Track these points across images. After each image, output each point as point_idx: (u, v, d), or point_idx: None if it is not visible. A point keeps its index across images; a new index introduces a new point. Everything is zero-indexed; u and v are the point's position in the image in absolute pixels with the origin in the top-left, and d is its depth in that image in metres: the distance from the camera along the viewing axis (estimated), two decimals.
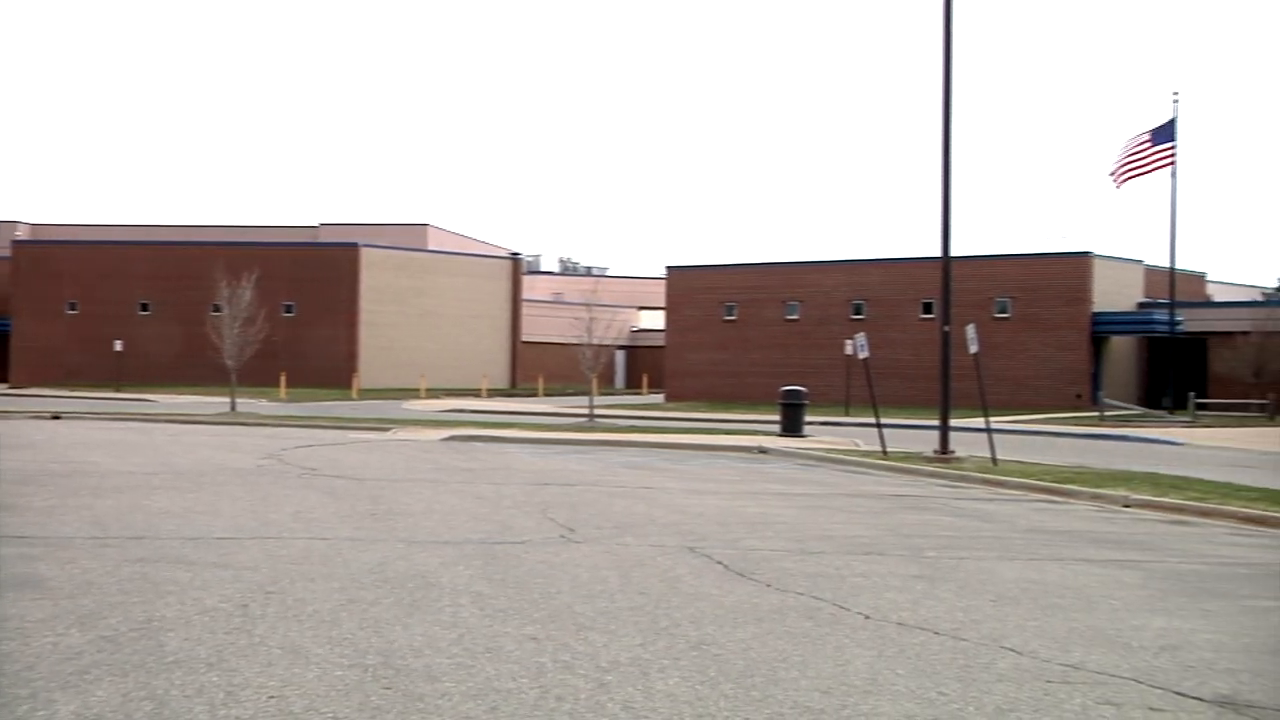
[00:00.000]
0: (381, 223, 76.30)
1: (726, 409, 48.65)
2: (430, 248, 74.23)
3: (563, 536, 12.82)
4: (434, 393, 60.41)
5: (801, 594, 9.82)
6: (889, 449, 25.03)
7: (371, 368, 65.01)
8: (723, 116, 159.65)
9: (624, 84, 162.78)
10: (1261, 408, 45.01)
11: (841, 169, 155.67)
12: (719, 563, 11.29)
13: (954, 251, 25.37)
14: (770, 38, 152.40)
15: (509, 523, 13.92)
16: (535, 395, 64.92)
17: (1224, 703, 6.88)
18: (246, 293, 41.60)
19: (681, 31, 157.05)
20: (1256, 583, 11.12)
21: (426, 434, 30.37)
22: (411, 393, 59.58)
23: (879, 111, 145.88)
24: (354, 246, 66.60)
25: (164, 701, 6.50)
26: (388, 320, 67.10)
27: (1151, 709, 6.72)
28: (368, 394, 58.20)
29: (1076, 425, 39.78)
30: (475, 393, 62.76)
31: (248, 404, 43.41)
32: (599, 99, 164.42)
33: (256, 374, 51.13)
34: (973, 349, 24.34)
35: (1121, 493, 18.21)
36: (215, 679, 6.94)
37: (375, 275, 66.67)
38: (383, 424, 33.66)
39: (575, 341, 41.19)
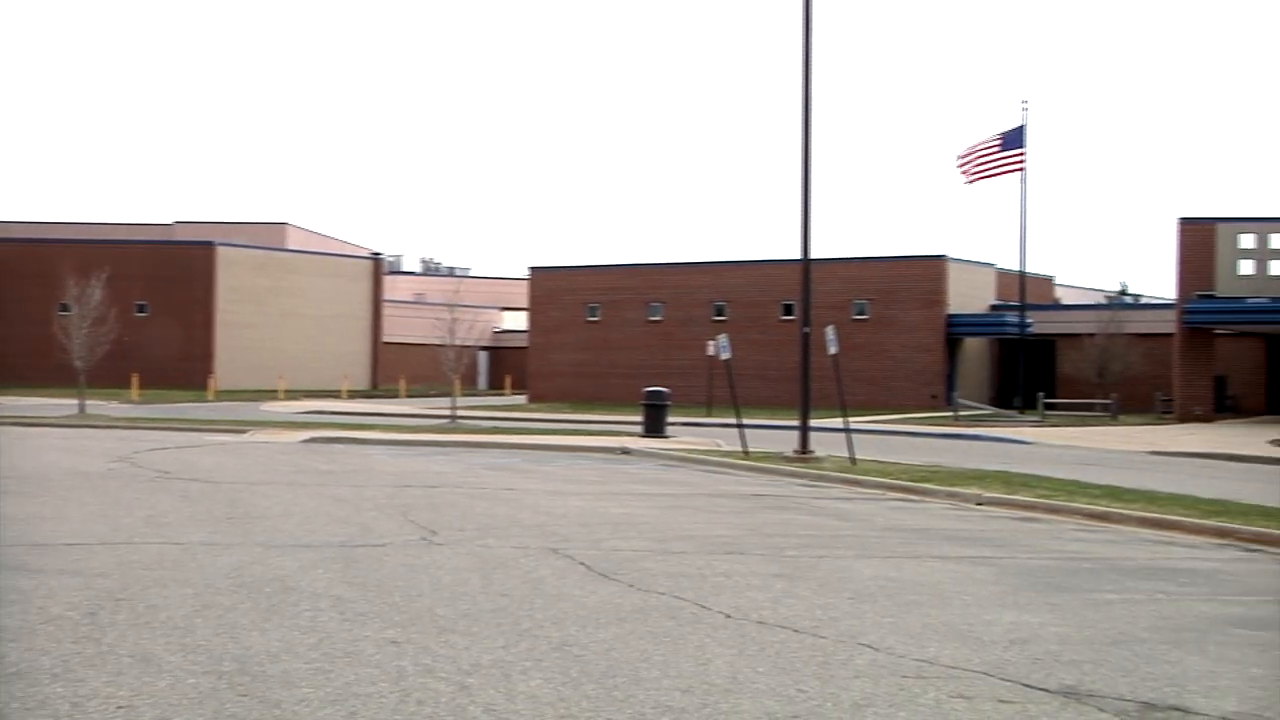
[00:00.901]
0: (239, 221, 74.75)
1: (589, 410, 48.68)
2: (290, 247, 72.93)
3: (424, 539, 12.71)
4: (293, 394, 59.36)
5: (664, 594, 9.88)
6: (750, 449, 25.31)
7: (229, 369, 63.62)
8: (586, 116, 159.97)
9: (484, 82, 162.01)
10: (1105, 407, 46.50)
11: (703, 170, 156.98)
12: (582, 564, 11.30)
13: (814, 254, 25.77)
14: (630, 38, 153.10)
15: (370, 525, 13.76)
16: (397, 396, 64.18)
17: (1068, 693, 7.10)
18: (96, 292, 40.35)
19: (542, 30, 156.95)
20: (1099, 577, 11.50)
21: (285, 436, 29.84)
22: (270, 394, 58.46)
23: (740, 114, 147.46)
24: (210, 245, 65.10)
25: (3, 715, 6.28)
26: (246, 320, 65.75)
27: (1001, 701, 6.91)
28: (225, 395, 56.95)
29: (932, 425, 40.69)
30: (336, 394, 61.82)
31: (98, 406, 42.10)
32: (458, 97, 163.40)
33: (107, 375, 49.62)
34: (832, 350, 24.74)
35: (975, 491, 18.67)
36: (60, 690, 6.72)
37: (232, 274, 65.28)
38: (240, 426, 32.99)
39: (438, 342, 40.85)
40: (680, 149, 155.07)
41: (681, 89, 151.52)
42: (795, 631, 8.57)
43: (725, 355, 26.89)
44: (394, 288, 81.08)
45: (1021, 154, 46.24)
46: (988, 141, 46.74)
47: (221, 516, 14.26)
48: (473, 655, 7.68)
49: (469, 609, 9.11)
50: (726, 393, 29.18)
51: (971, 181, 46.90)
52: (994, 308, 55.65)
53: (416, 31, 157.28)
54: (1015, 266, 49.91)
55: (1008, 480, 20.11)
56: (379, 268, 74.97)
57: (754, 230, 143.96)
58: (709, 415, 42.66)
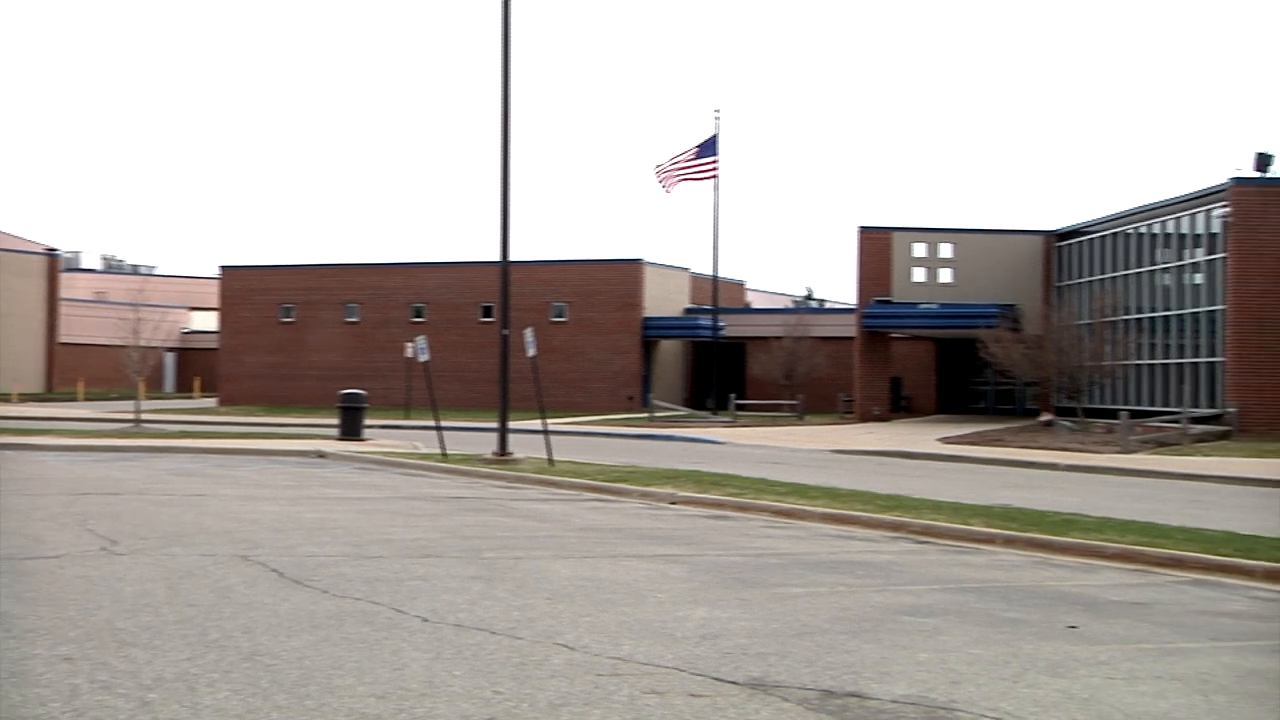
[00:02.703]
0: None
1: (284, 413, 47.38)
2: None
3: (104, 549, 12.10)
4: None
5: (359, 599, 9.73)
6: (449, 451, 25.19)
7: None
8: (280, 110, 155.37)
9: (169, 71, 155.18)
10: (792, 408, 48.46)
11: (401, 170, 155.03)
12: (274, 570, 10.99)
13: (513, 256, 25.91)
14: (327, 33, 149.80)
15: (43, 536, 12.99)
16: (76, 400, 60.75)
17: (755, 684, 7.37)
18: None
19: (229, 18, 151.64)
20: (786, 571, 11.98)
21: None
22: None
23: (439, 114, 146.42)
24: None
25: None
26: None
27: (692, 695, 7.11)
28: None
29: (629, 426, 41.45)
30: (5, 398, 58.05)
31: None
32: (142, 86, 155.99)
33: None
34: (530, 352, 24.90)
35: (668, 490, 19.13)
36: None
37: None
38: None
39: (120, 343, 38.92)
40: (377, 148, 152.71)
41: (378, 87, 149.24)
42: (492, 633, 8.58)
43: (424, 357, 26.69)
44: (72, 286, 76.78)
45: (714, 161, 47.68)
46: (685, 151, 48.06)
47: None
48: (155, 669, 7.36)
49: (152, 621, 8.72)
50: (425, 395, 28.95)
51: (670, 188, 48.02)
52: (688, 311, 57.18)
53: (91, 13, 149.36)
54: (709, 271, 51.42)
55: (700, 479, 20.69)
56: (54, 264, 70.79)
57: (453, 231, 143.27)
58: (407, 418, 42.23)
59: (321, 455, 26.58)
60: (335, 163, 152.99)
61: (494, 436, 25.46)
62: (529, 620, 9.08)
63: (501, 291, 25.48)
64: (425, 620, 8.97)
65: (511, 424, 25.40)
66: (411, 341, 31.33)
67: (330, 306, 56.85)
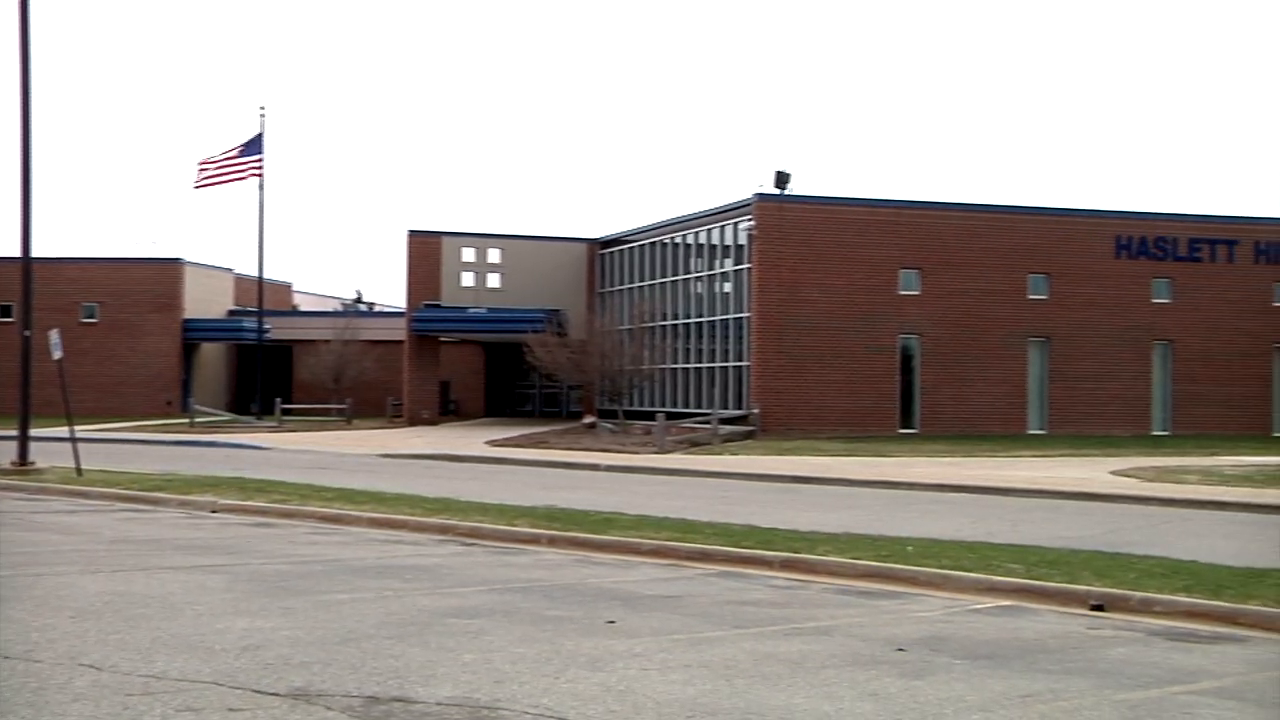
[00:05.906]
0: None
1: None
2: None
3: None
4: None
5: None
6: None
7: None
8: None
9: None
10: (341, 412, 47.83)
11: None
12: None
13: (37, 252, 24.37)
14: None
15: None
16: None
17: (298, 695, 7.22)
18: None
19: None
20: (331, 578, 11.82)
21: None
22: None
23: None
24: None
25: None
26: None
27: (231, 710, 6.87)
28: None
29: (168, 432, 39.66)
30: None
31: None
32: None
33: None
34: (56, 355, 23.42)
35: (210, 498, 18.51)
36: None
37: None
38: None
39: None
40: None
41: None
42: (6, 658, 7.96)
43: None
44: None
45: (258, 160, 46.33)
46: (229, 150, 46.47)
47: None
48: None
49: None
50: None
51: (203, 186, 46.22)
52: (232, 313, 55.35)
53: None
54: (254, 273, 49.93)
55: (243, 486, 20.10)
56: None
57: None
58: None
59: None
60: None
61: (13, 445, 23.72)
62: (50, 641, 8.49)
63: (23, 290, 23.78)
64: None
65: (36, 431, 23.79)
66: None
67: None
